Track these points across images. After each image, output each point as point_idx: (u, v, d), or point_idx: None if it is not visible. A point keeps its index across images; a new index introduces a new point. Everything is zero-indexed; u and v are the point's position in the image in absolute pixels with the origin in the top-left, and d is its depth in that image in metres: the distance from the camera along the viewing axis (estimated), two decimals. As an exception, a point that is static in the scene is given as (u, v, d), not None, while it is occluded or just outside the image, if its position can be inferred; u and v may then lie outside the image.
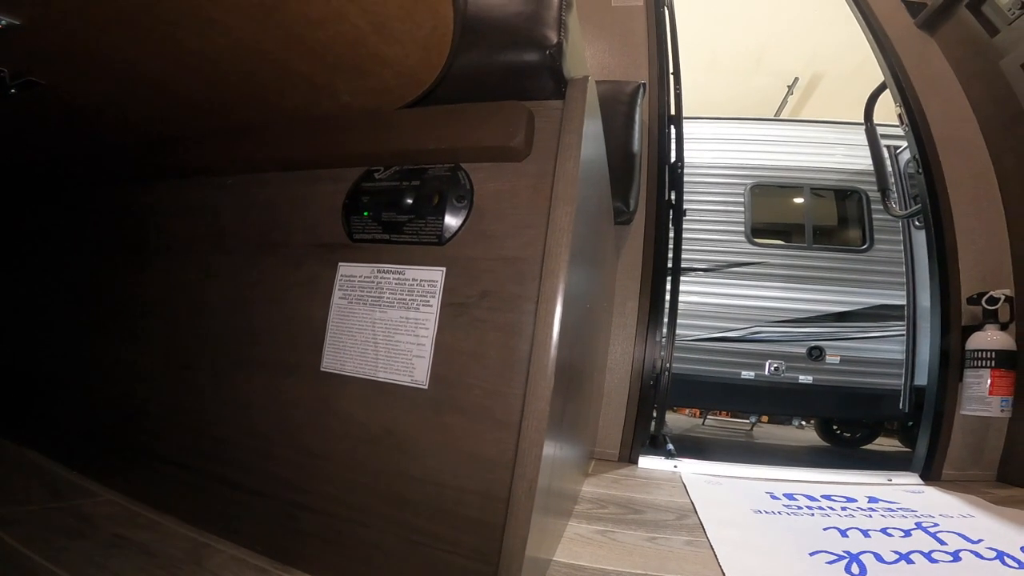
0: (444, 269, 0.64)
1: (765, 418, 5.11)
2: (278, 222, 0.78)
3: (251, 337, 0.77)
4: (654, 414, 1.98)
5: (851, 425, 3.73)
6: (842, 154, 3.54)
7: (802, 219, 3.50)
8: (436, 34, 0.56)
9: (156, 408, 0.87)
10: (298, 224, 0.77)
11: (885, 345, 3.17)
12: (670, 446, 1.96)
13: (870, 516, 1.26)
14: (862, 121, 2.41)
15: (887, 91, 2.01)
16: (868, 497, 1.44)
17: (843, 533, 1.11)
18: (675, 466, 1.73)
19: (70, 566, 0.63)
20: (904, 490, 1.56)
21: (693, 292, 3.38)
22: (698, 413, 5.28)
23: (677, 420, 5.04)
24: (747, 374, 3.30)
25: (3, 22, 0.59)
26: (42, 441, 1.04)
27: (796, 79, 5.30)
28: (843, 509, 1.32)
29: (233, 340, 0.79)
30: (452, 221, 0.66)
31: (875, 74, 2.09)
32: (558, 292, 0.56)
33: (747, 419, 4.91)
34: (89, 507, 0.81)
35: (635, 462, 1.75)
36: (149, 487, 0.86)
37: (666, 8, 2.05)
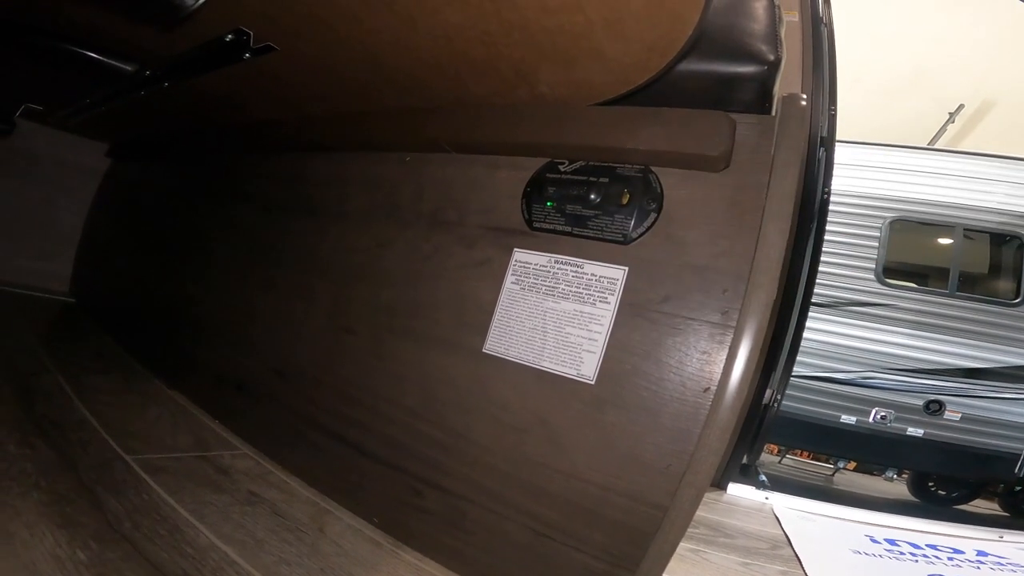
0: (627, 268, 0.65)
1: (852, 465, 4.84)
2: (454, 201, 0.81)
3: (415, 309, 0.80)
4: (753, 445, 1.94)
5: (949, 483, 3.43)
6: (1004, 193, 3.15)
7: (946, 262, 3.20)
8: (667, 38, 0.56)
9: (310, 369, 0.92)
10: (474, 205, 0.79)
11: (1017, 408, 2.89)
12: (763, 477, 1.92)
13: (978, 568, 1.25)
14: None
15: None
16: (977, 551, 1.40)
17: (949, 581, 1.10)
18: (766, 497, 1.70)
19: (210, 522, 0.68)
20: (1017, 547, 1.50)
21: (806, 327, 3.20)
22: (775, 450, 5.06)
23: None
24: (847, 418, 3.11)
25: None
26: (192, 387, 1.13)
27: (961, 106, 4.64)
28: (949, 559, 1.31)
29: (398, 310, 0.82)
30: (640, 222, 0.66)
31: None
32: (765, 306, 0.54)
33: (829, 463, 4.66)
34: (228, 460, 0.88)
35: (724, 488, 1.73)
36: (283, 446, 0.91)
37: (824, 26, 1.95)
